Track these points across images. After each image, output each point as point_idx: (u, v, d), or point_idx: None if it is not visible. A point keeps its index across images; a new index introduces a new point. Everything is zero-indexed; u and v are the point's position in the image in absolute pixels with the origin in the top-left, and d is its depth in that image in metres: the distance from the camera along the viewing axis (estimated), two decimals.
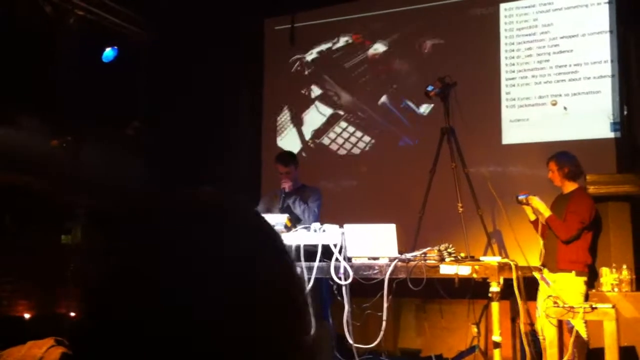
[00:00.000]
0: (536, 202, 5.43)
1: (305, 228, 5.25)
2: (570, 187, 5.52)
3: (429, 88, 6.09)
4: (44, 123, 6.70)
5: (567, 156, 5.55)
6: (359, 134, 7.84)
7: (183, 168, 7.55)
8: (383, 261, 4.86)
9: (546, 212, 5.38)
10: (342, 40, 7.99)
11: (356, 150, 7.83)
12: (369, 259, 4.95)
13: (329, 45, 8.06)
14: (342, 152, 7.90)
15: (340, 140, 7.93)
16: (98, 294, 0.82)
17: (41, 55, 6.59)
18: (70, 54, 6.70)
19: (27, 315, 6.39)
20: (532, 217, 5.55)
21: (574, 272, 5.24)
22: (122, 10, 7.20)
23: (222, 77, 7.98)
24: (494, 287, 4.49)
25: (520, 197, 5.48)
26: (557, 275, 5.29)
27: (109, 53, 6.88)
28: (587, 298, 5.13)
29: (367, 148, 7.78)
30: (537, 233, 5.55)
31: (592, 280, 5.35)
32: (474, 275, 4.56)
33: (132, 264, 0.81)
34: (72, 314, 6.27)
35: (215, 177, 7.70)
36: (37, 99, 6.62)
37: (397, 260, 4.80)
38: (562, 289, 5.10)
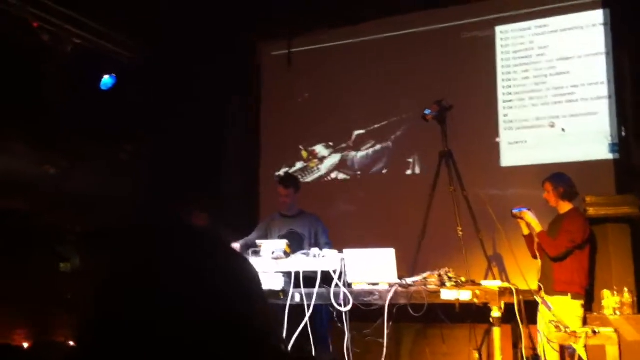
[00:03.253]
0: (529, 217, 5.46)
1: (304, 254, 5.23)
2: (565, 207, 5.54)
3: (426, 112, 6.10)
4: (38, 148, 6.71)
5: (562, 177, 5.58)
6: (357, 158, 7.83)
7: (181, 189, 7.55)
8: (383, 287, 4.84)
9: (537, 227, 5.42)
10: (337, 67, 8.00)
11: (353, 175, 7.82)
12: (368, 284, 4.92)
13: (325, 68, 8.07)
14: (340, 177, 7.89)
15: (338, 165, 7.92)
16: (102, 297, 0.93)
17: (37, 82, 6.60)
18: (66, 80, 6.70)
19: (25, 345, 6.33)
20: (526, 232, 5.56)
21: (569, 295, 5.22)
22: (118, 37, 7.23)
23: (220, 104, 8.01)
24: (495, 313, 4.46)
25: (515, 211, 5.53)
26: (554, 298, 5.27)
27: (107, 81, 6.89)
28: (585, 321, 5.10)
29: (364, 173, 7.76)
30: (529, 249, 5.56)
31: (589, 302, 5.33)
32: (475, 301, 4.54)
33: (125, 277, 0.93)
34: (71, 343, 6.23)
35: (214, 199, 7.71)
36: (32, 125, 6.62)
37: (397, 285, 4.77)
38: (559, 313, 5.07)
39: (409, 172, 7.50)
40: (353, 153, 7.87)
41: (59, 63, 6.73)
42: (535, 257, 5.51)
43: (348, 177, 7.87)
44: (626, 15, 6.50)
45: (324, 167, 8.01)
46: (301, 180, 7.64)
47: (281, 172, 7.83)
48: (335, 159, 7.96)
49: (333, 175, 7.95)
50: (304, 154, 8.11)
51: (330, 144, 8.01)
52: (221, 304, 0.91)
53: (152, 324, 0.87)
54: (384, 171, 7.65)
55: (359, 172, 7.82)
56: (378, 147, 7.72)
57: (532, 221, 5.45)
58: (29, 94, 6.62)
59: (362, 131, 7.82)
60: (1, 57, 6.08)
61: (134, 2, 6.95)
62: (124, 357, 0.87)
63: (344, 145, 7.92)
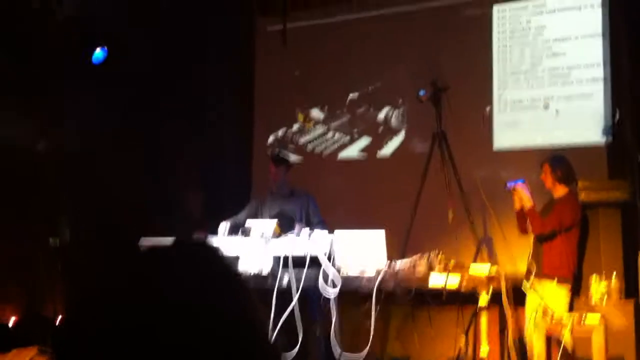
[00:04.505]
0: (521, 191, 5.45)
1: (294, 234, 5.22)
2: (560, 191, 5.52)
3: (421, 92, 6.08)
4: (29, 122, 6.67)
5: (562, 160, 5.57)
6: (349, 138, 7.78)
7: (173, 171, 7.53)
8: (371, 272, 4.83)
9: (528, 202, 5.41)
10: (332, 42, 7.91)
11: (345, 154, 7.78)
12: (357, 268, 4.92)
13: (317, 48, 7.99)
14: (332, 156, 7.85)
15: (331, 145, 7.87)
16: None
17: (26, 52, 6.52)
18: (56, 51, 6.63)
19: (11, 321, 6.35)
20: (518, 207, 5.54)
21: (555, 280, 5.23)
22: (111, 9, 7.12)
23: (212, 80, 7.93)
24: (483, 300, 4.47)
25: (509, 185, 5.51)
26: (542, 283, 5.28)
27: (98, 54, 6.79)
28: (571, 307, 5.12)
29: (356, 152, 7.72)
30: (518, 224, 5.57)
31: (578, 287, 5.35)
32: (463, 290, 4.55)
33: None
34: (58, 319, 6.26)
35: (207, 179, 7.69)
36: (21, 97, 6.56)
37: (384, 271, 4.77)
38: (546, 298, 5.09)
39: (402, 152, 7.45)
40: (345, 133, 7.81)
41: (49, 32, 6.65)
42: (524, 231, 5.52)
43: (342, 158, 7.81)
44: None
45: (316, 147, 7.98)
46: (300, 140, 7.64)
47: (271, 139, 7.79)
48: (328, 138, 7.92)
49: (326, 151, 7.90)
50: (300, 116, 8.06)
51: (325, 108, 7.95)
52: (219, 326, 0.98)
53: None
54: (377, 151, 7.60)
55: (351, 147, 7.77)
56: (372, 126, 7.67)
57: (523, 195, 5.45)
58: (19, 65, 6.55)
59: (356, 111, 7.77)
60: None
61: None
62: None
63: (337, 126, 7.87)
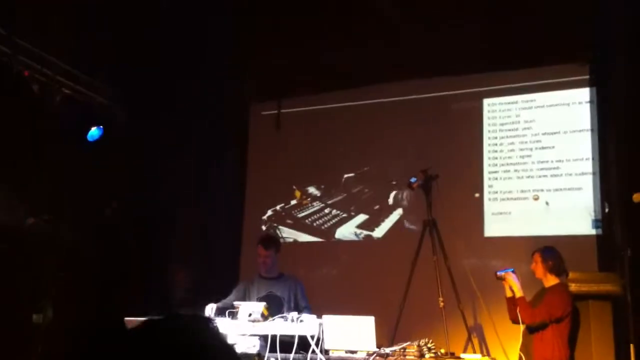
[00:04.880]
0: (511, 280, 5.43)
1: (282, 317, 5.14)
2: (551, 281, 5.52)
3: (412, 180, 6.13)
4: (23, 200, 6.64)
5: (553, 251, 5.59)
6: (339, 221, 7.81)
7: (163, 245, 7.48)
8: (361, 355, 4.74)
9: (518, 292, 5.39)
10: (326, 127, 8.05)
11: (338, 236, 7.79)
12: (346, 352, 4.82)
13: (313, 133, 8.12)
14: (322, 239, 7.85)
15: (329, 220, 7.89)
16: None
17: (25, 132, 6.57)
18: (54, 131, 6.69)
19: None
20: (509, 295, 5.52)
21: None
22: (107, 89, 7.26)
23: (205, 159, 8.01)
24: None
25: (499, 274, 5.50)
26: None
27: (94, 132, 6.87)
28: None
29: (348, 234, 7.73)
30: (509, 313, 5.51)
31: None
32: None
33: None
34: None
35: (194, 259, 7.63)
36: (17, 175, 6.57)
37: (375, 355, 4.69)
38: None
39: (394, 236, 7.46)
40: (335, 216, 7.85)
41: (47, 113, 6.72)
42: (514, 321, 5.46)
43: (331, 241, 7.82)
44: (612, 95, 6.59)
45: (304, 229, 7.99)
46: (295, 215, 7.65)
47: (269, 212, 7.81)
48: (318, 219, 7.95)
49: (322, 223, 7.91)
50: (297, 193, 8.11)
51: (322, 187, 8.01)
52: None
53: None
54: (369, 234, 7.61)
55: (342, 236, 7.78)
56: (362, 212, 7.70)
57: (513, 285, 5.43)
58: (17, 144, 6.59)
59: (346, 196, 7.83)
60: None
61: (124, 57, 7.00)
62: None
63: (328, 208, 7.91)
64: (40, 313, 6.80)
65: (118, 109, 7.31)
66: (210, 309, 5.53)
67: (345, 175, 7.86)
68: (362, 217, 7.71)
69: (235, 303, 5.43)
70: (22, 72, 6.35)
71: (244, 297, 5.92)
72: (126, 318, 5.42)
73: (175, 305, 6.56)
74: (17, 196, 6.66)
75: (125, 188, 7.31)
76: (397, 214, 7.51)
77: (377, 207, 7.64)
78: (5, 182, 6.54)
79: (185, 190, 7.90)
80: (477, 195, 7.04)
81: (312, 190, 8.08)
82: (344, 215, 7.83)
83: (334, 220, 7.88)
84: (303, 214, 8.06)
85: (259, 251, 6.10)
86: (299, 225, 8.01)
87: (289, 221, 8.02)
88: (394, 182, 7.52)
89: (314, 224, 7.97)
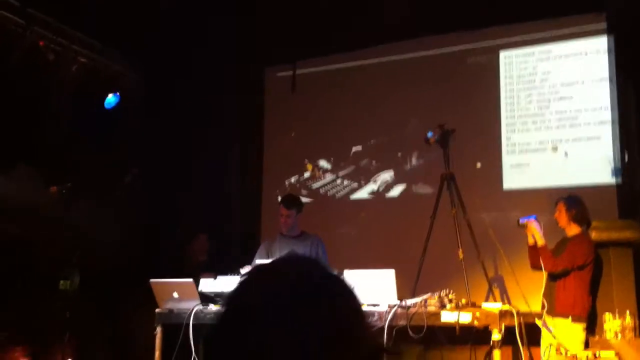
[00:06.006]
0: (533, 228, 5.43)
1: None
2: (574, 230, 5.50)
3: (429, 134, 6.11)
4: (43, 170, 6.72)
5: (577, 200, 5.56)
6: (358, 180, 7.85)
7: (181, 213, 7.56)
8: (383, 308, 4.80)
9: (540, 240, 5.38)
10: (342, 87, 8.04)
11: (355, 196, 7.83)
12: (368, 305, 4.88)
13: (328, 93, 8.12)
14: (341, 198, 7.91)
15: (339, 186, 7.94)
16: None
17: (42, 102, 6.63)
18: (70, 100, 6.74)
19: None
20: (531, 242, 5.52)
21: (570, 318, 5.17)
22: (122, 56, 7.29)
23: (221, 124, 8.04)
24: (496, 335, 4.42)
25: (522, 222, 5.49)
26: (556, 321, 5.23)
27: (111, 99, 6.92)
28: (587, 345, 5.05)
29: (366, 194, 7.78)
30: (530, 259, 5.54)
31: (592, 326, 5.28)
32: (475, 323, 4.50)
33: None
34: None
35: (215, 224, 7.71)
36: (35, 146, 6.65)
37: (397, 307, 4.74)
38: (561, 336, 5.03)
39: (411, 193, 7.49)
40: (353, 175, 7.89)
41: (63, 81, 6.77)
42: (535, 267, 5.48)
43: (350, 199, 7.87)
44: (630, 42, 6.51)
45: (327, 183, 8.05)
46: (309, 186, 7.71)
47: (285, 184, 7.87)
48: (337, 180, 8.00)
49: (334, 193, 7.96)
50: (309, 166, 8.16)
51: (331, 159, 8.06)
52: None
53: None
54: (387, 192, 7.65)
55: (361, 194, 7.82)
56: (380, 168, 7.73)
57: (535, 232, 5.43)
58: (33, 113, 6.65)
59: (363, 151, 7.86)
60: (5, 75, 6.12)
61: (138, 24, 7.00)
62: None
63: (344, 165, 7.96)
64: (67, 280, 6.93)
65: (135, 75, 7.33)
66: (244, 271, 5.61)
67: (354, 148, 7.91)
68: (373, 185, 7.76)
69: (257, 262, 5.50)
70: (36, 42, 6.39)
71: (267, 257, 5.99)
72: (152, 280, 5.55)
73: (200, 270, 6.63)
74: (36, 169, 6.75)
75: (144, 155, 7.36)
76: (410, 177, 7.55)
77: (390, 173, 7.68)
78: (24, 155, 6.63)
79: (204, 161, 7.95)
80: (478, 164, 7.06)
81: (323, 163, 8.12)
82: (355, 184, 7.88)
83: (346, 189, 7.93)
84: (317, 185, 8.10)
85: (281, 211, 6.14)
86: (314, 195, 8.07)
87: (304, 191, 8.06)
88: (400, 154, 7.58)
89: (328, 194, 8.03)
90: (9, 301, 6.41)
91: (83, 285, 6.93)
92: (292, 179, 8.26)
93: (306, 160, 8.19)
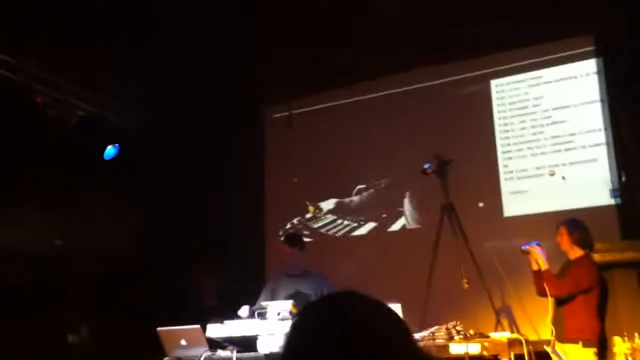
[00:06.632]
0: (536, 253, 5.41)
1: None
2: (576, 253, 5.49)
3: (425, 166, 6.15)
4: (47, 222, 6.77)
5: (579, 224, 5.55)
6: (359, 217, 7.88)
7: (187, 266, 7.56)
8: None
9: (543, 265, 5.37)
10: (338, 128, 8.12)
11: (357, 233, 7.85)
12: None
13: (325, 130, 8.19)
14: (342, 234, 7.93)
15: (340, 225, 7.97)
16: None
17: (42, 154, 6.70)
18: (71, 153, 6.81)
19: None
20: (535, 267, 5.51)
21: (580, 344, 5.15)
22: (121, 106, 7.37)
23: (221, 170, 8.10)
24: None
25: (524, 248, 5.48)
26: (566, 347, 5.21)
27: (110, 150, 6.98)
28: None
29: (367, 231, 7.80)
30: (535, 285, 5.52)
31: (602, 350, 5.25)
32: (484, 353, 4.50)
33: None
34: None
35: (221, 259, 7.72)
36: (39, 199, 6.70)
37: None
38: None
39: (412, 225, 7.52)
40: (354, 211, 7.92)
41: (63, 135, 6.84)
42: (541, 294, 5.46)
43: (351, 236, 7.89)
44: (619, 63, 6.59)
45: (328, 223, 8.08)
46: (311, 226, 7.73)
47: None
48: (338, 214, 8.03)
49: (336, 232, 7.99)
50: (310, 208, 8.20)
51: (334, 199, 8.09)
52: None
53: None
54: (388, 227, 7.67)
55: (362, 230, 7.84)
56: (380, 203, 7.77)
57: (539, 258, 5.41)
58: (35, 167, 6.71)
59: (363, 186, 7.90)
60: (8, 130, 6.18)
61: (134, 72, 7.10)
62: None
63: (346, 201, 7.99)
64: (74, 333, 6.93)
65: (132, 123, 7.40)
66: (244, 311, 5.60)
67: (358, 186, 7.98)
68: (374, 223, 7.81)
69: (264, 303, 5.49)
70: (34, 99, 6.47)
71: (272, 297, 5.98)
72: (159, 328, 5.53)
73: (206, 312, 6.61)
74: (43, 221, 6.79)
75: (146, 201, 7.40)
76: (410, 209, 7.59)
77: (387, 212, 7.75)
78: (29, 208, 6.67)
79: (207, 203, 7.98)
80: (480, 204, 7.12)
81: (324, 205, 8.19)
82: (355, 224, 7.93)
83: (347, 228, 7.98)
84: (318, 225, 8.15)
85: (284, 249, 6.15)
86: (316, 235, 8.13)
87: (306, 232, 8.10)
88: (399, 187, 7.66)
89: (329, 233, 8.08)
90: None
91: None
92: (295, 220, 8.29)
93: (307, 202, 8.23)
